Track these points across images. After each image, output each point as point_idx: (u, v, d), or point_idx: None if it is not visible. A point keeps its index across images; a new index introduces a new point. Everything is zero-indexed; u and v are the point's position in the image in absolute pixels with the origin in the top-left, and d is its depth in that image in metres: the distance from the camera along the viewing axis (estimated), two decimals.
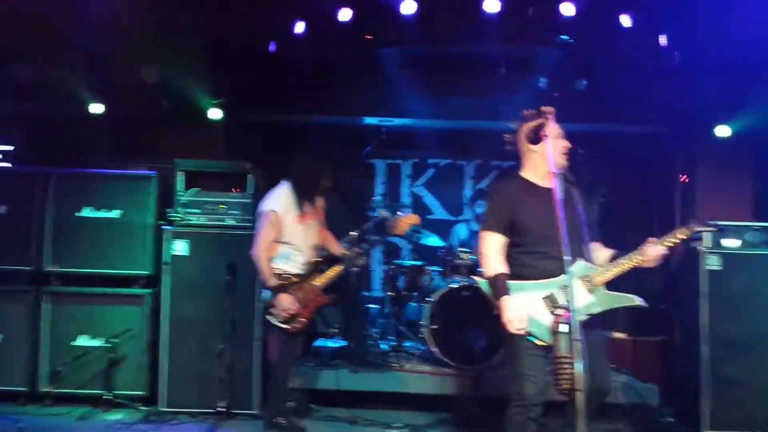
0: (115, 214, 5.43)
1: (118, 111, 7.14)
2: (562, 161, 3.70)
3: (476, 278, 3.85)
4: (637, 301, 3.59)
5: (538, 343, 3.49)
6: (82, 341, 5.27)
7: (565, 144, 3.74)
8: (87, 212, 5.42)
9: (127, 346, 5.24)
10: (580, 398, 3.09)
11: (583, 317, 3.42)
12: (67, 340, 5.27)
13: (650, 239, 3.56)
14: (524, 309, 3.48)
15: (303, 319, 4.71)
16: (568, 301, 3.25)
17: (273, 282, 4.65)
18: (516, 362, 3.56)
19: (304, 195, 4.84)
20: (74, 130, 7.07)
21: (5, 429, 4.71)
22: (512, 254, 3.67)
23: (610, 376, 3.84)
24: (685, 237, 3.59)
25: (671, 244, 3.57)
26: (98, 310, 5.31)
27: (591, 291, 3.55)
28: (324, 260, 4.95)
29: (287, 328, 4.68)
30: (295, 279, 4.75)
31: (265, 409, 4.94)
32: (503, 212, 3.67)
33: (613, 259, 3.65)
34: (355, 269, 5.06)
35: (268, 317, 4.70)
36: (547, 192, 3.52)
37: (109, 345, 5.15)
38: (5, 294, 5.33)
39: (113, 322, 5.26)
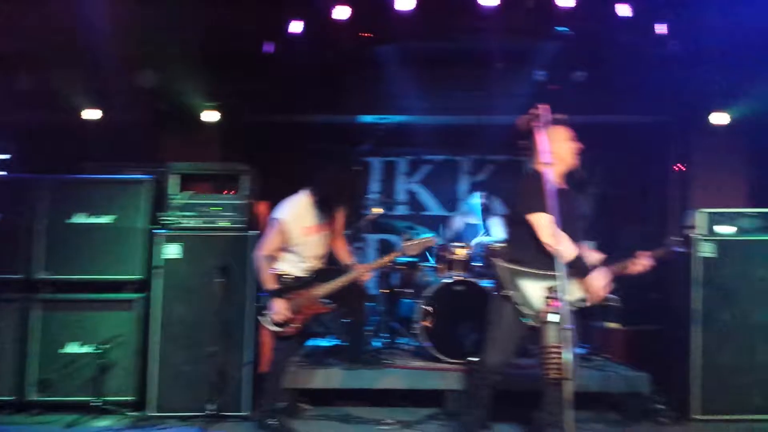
0: (107, 219, 5.41)
1: (114, 116, 7.19)
2: (574, 162, 4.10)
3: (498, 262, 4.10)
4: (613, 300, 4.46)
5: (530, 324, 3.87)
6: (72, 348, 5.26)
7: (576, 146, 4.08)
8: (79, 218, 5.40)
9: (118, 352, 5.21)
10: (568, 387, 3.15)
11: (572, 308, 3.79)
12: (56, 347, 5.25)
13: (639, 253, 3.95)
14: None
15: (295, 325, 4.72)
16: (559, 292, 3.41)
17: (270, 285, 4.68)
18: (493, 330, 4.04)
19: (325, 207, 4.86)
20: (70, 136, 7.13)
21: None
22: (534, 243, 3.96)
23: (578, 360, 4.18)
24: (664, 254, 4.04)
25: (656, 259, 4.01)
26: (89, 316, 5.28)
27: (581, 288, 3.94)
28: (330, 269, 4.97)
29: (278, 331, 4.72)
30: (295, 283, 4.78)
31: (256, 410, 4.95)
32: (543, 198, 3.76)
33: (603, 263, 4.03)
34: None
35: (260, 318, 4.74)
36: (561, 192, 3.88)
37: (99, 351, 5.15)
38: None
39: (104, 328, 5.24)
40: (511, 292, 3.93)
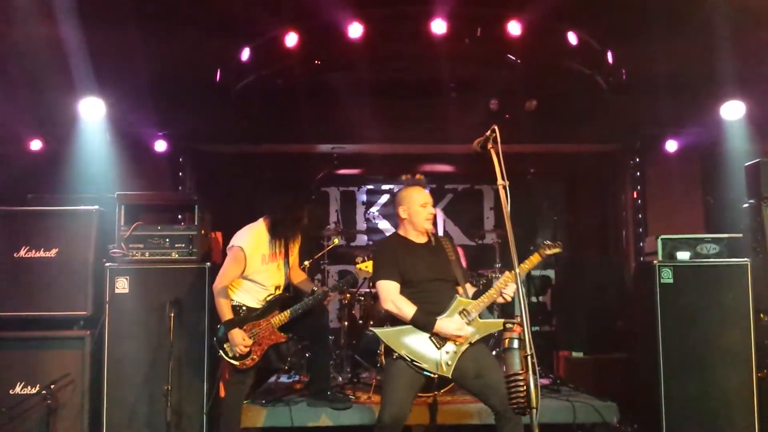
0: (54, 252, 5.17)
1: (58, 146, 6.92)
2: (428, 226, 4.15)
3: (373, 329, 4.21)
4: (505, 324, 4.11)
5: (432, 375, 3.91)
6: (19, 389, 4.95)
7: (430, 212, 4.13)
8: (24, 252, 5.15)
9: (67, 392, 4.95)
10: (534, 415, 3.07)
11: (466, 346, 3.96)
12: (3, 388, 4.94)
13: (506, 273, 4.04)
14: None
15: (254, 357, 4.64)
16: (518, 316, 3.35)
17: (227, 316, 4.59)
18: (386, 388, 3.96)
19: (280, 235, 4.79)
20: (12, 167, 6.82)
21: None
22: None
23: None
24: (538, 261, 4.10)
25: (526, 270, 4.10)
26: (37, 354, 5.00)
27: (469, 323, 3.99)
28: (287, 297, 4.90)
29: (236, 365, 4.61)
30: (252, 314, 4.70)
31: None
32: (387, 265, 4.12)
33: (476, 294, 4.08)
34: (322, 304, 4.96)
35: (220, 352, 4.62)
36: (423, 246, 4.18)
37: (47, 391, 4.85)
38: None
39: (53, 366, 4.96)
40: (402, 352, 3.94)
